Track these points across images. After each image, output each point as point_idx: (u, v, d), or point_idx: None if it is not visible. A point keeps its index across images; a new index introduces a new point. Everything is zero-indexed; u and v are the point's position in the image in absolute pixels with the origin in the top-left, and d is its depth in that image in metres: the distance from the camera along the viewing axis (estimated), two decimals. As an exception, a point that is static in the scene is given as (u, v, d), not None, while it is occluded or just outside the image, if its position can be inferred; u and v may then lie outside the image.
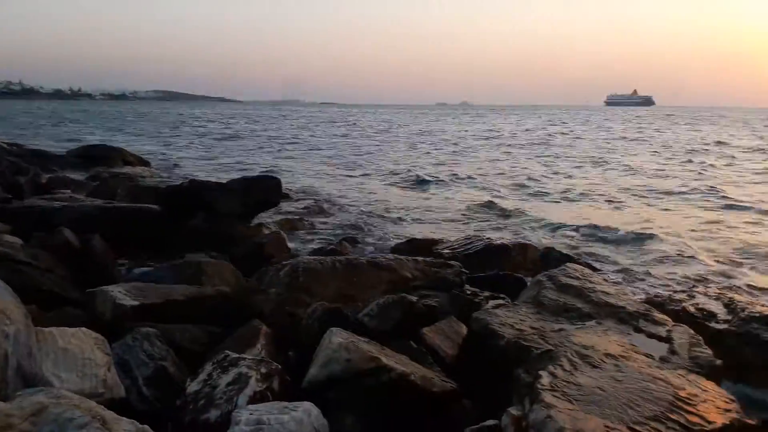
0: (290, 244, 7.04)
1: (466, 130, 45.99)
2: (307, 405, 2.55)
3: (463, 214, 11.27)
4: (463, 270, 5.35)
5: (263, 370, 3.02)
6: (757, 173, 18.18)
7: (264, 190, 7.41)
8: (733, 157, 24.00)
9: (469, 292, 5.14)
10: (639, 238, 8.97)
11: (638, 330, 3.82)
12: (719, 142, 32.14)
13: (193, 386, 3.08)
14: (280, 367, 3.13)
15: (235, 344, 3.66)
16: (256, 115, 74.04)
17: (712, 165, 20.70)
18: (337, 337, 3.11)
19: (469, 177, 17.02)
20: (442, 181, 16.19)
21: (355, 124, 58.55)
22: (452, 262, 5.58)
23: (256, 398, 2.85)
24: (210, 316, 4.28)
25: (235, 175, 11.22)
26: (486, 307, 4.58)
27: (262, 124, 52.08)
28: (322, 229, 9.11)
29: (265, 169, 17.60)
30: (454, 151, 26.80)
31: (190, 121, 54.72)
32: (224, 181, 7.99)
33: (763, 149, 27.89)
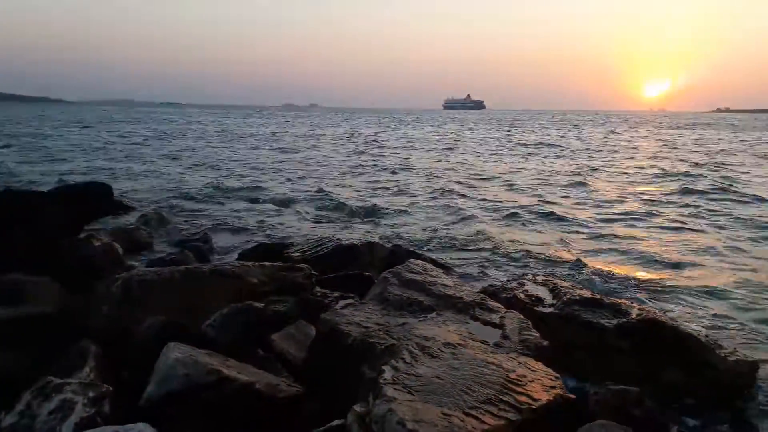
0: (125, 256, 6.57)
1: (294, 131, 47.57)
2: (141, 426, 2.41)
3: (314, 217, 11.33)
4: (313, 272, 5.37)
5: (91, 394, 2.80)
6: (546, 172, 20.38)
7: (92, 197, 6.84)
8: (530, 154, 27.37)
9: (319, 294, 5.18)
10: (472, 237, 9.65)
11: (474, 318, 4.10)
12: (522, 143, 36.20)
13: (7, 420, 2.78)
14: (111, 389, 2.92)
15: (60, 368, 3.35)
16: (91, 119, 68.54)
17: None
18: (174, 352, 2.98)
19: (300, 177, 17.41)
20: (284, 182, 16.26)
21: (191, 124, 57.74)
22: (302, 265, 5.57)
23: (84, 425, 2.64)
24: (31, 339, 3.88)
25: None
26: (335, 308, 4.65)
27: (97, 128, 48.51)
28: (162, 239, 8.62)
29: (92, 176, 16.29)
30: (281, 149, 27.71)
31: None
32: (46, 190, 7.24)
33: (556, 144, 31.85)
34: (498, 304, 4.64)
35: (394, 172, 19.15)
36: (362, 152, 27.54)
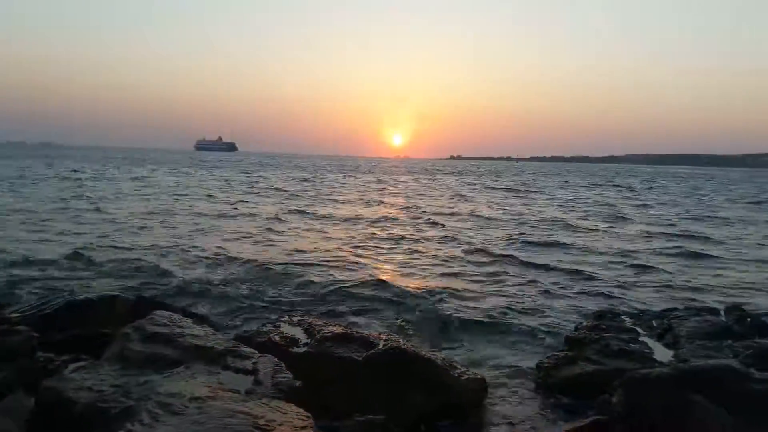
0: None
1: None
2: None
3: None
4: (34, 334, 4.68)
5: None
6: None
7: None
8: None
9: (42, 360, 4.53)
10: (229, 282, 9.47)
11: (226, 367, 3.98)
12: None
13: None
14: None
15: None
16: None
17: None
18: None
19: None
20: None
21: None
22: (20, 327, 4.83)
23: None
24: None
25: None
26: (63, 373, 4.11)
27: None
28: None
29: None
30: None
31: None
32: None
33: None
34: (252, 350, 4.59)
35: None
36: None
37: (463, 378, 5.00)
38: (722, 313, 7.14)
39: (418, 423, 4.51)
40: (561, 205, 28.23)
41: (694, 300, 9.13)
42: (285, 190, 32.58)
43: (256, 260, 11.05)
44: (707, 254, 13.83)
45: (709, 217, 24.13)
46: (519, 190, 40.02)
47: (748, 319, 6.69)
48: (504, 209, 25.17)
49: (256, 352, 4.53)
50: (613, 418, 3.87)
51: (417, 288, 9.40)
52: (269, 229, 16.03)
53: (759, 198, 38.68)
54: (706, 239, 16.71)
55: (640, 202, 31.49)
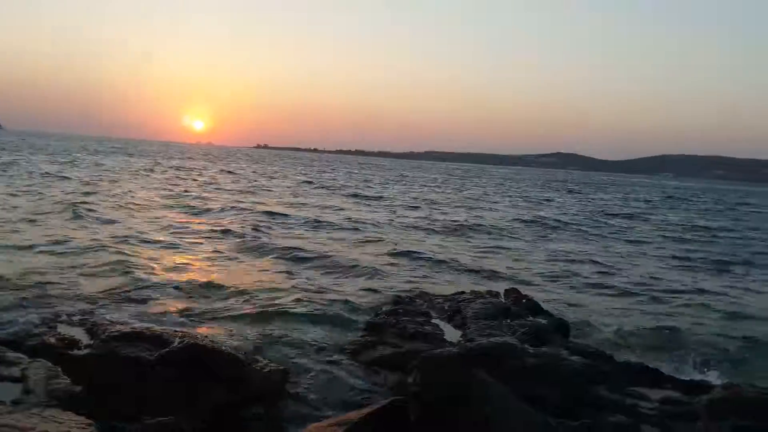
0: None
1: None
2: None
3: None
4: None
5: None
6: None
7: None
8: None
9: None
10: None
11: (-14, 377, 3.45)
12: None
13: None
14: None
15: None
16: None
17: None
18: None
19: None
20: None
21: None
22: None
23: None
24: None
25: None
26: None
27: None
28: None
29: None
30: None
31: None
32: None
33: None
34: (20, 355, 4.05)
35: None
36: None
37: (264, 370, 4.93)
38: (502, 295, 8.01)
39: (220, 418, 4.34)
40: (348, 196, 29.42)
41: (480, 284, 10.11)
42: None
43: None
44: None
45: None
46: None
47: (524, 300, 7.60)
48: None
49: (26, 357, 4.01)
50: (410, 398, 4.11)
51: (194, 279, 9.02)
52: None
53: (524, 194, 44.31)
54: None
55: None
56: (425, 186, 46.28)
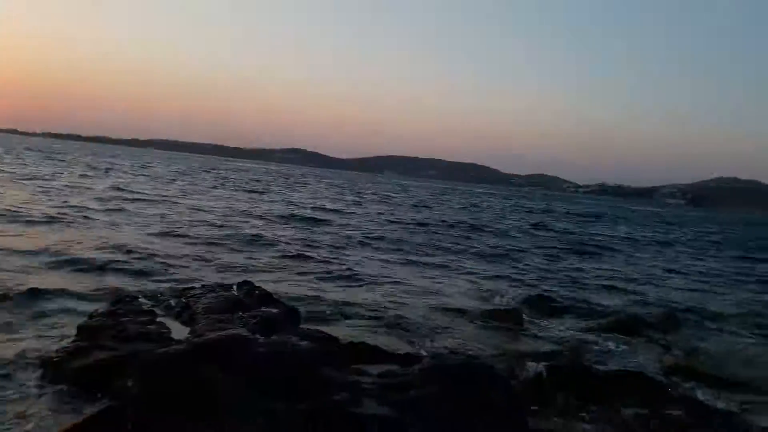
0: None
1: None
2: None
3: None
4: None
5: None
6: None
7: None
8: None
9: None
10: None
11: None
12: None
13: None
14: None
15: None
16: None
17: None
18: None
19: None
20: None
21: None
22: None
23: None
24: None
25: None
26: None
27: None
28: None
29: None
30: None
31: None
32: None
33: None
34: None
35: None
36: None
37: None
38: (235, 288, 7.90)
39: None
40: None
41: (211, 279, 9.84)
42: None
43: None
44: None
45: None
46: None
47: (256, 292, 7.60)
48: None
49: None
50: (128, 403, 3.78)
51: None
52: None
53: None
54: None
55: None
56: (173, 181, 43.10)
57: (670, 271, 18.33)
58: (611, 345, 8.03)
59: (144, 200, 23.18)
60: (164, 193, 28.17)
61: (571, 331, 8.63)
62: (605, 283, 14.38)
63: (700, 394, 6.06)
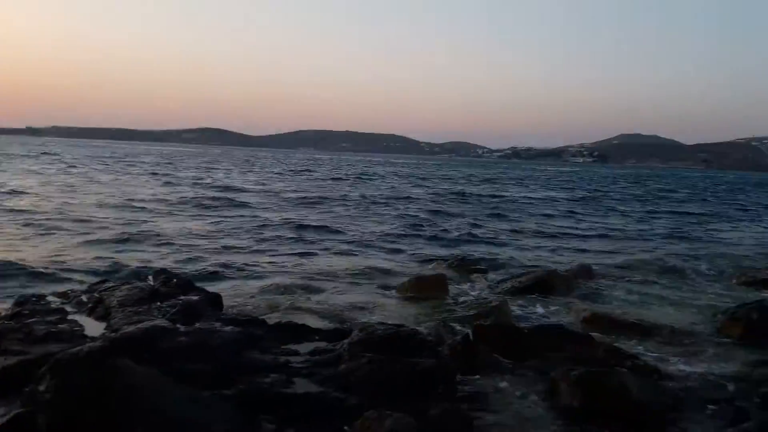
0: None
1: None
2: None
3: None
4: None
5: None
6: None
7: None
8: None
9: None
10: None
11: None
12: None
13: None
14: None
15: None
16: None
17: None
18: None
19: None
20: None
21: None
22: None
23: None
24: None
25: None
26: None
27: None
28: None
29: None
30: None
31: None
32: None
33: None
34: None
35: None
36: None
37: None
38: (151, 278, 7.58)
39: None
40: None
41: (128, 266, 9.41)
42: None
43: None
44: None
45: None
46: None
47: (174, 280, 7.31)
48: None
49: None
50: (39, 408, 3.55)
51: None
52: None
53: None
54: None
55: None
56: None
57: (581, 227, 19.28)
58: (532, 301, 8.37)
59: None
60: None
61: (495, 292, 8.91)
62: (523, 242, 14.94)
63: (616, 341, 6.44)
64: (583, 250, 14.14)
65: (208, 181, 33.99)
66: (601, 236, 17.24)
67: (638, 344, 6.53)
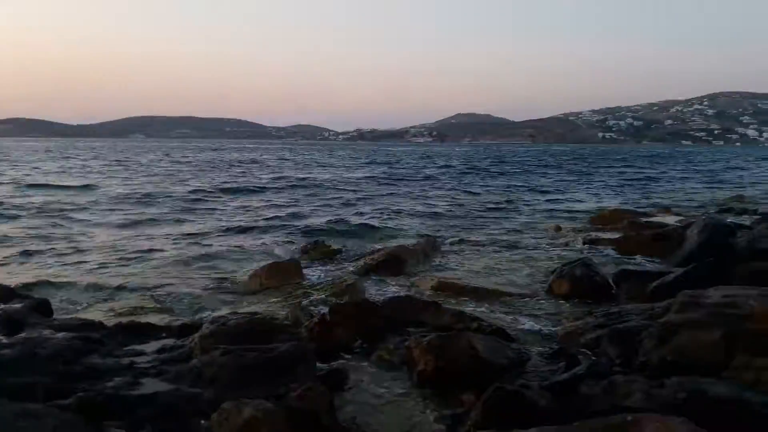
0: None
1: None
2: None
3: None
4: None
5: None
6: None
7: None
8: None
9: None
10: None
11: None
12: None
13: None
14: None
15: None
16: None
17: None
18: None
19: None
20: None
21: None
22: None
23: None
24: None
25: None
26: None
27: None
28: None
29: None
30: None
31: None
32: None
33: None
34: None
35: None
36: None
37: None
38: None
39: None
40: None
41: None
42: None
43: None
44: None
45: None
46: None
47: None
48: None
49: None
50: None
51: None
52: None
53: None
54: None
55: None
56: None
57: (420, 203, 20.19)
58: (384, 277, 8.62)
59: None
60: None
61: (348, 272, 9.03)
62: (368, 222, 15.27)
63: (463, 305, 6.86)
64: (431, 226, 14.79)
65: None
66: (440, 212, 18.10)
67: (481, 307, 6.99)
